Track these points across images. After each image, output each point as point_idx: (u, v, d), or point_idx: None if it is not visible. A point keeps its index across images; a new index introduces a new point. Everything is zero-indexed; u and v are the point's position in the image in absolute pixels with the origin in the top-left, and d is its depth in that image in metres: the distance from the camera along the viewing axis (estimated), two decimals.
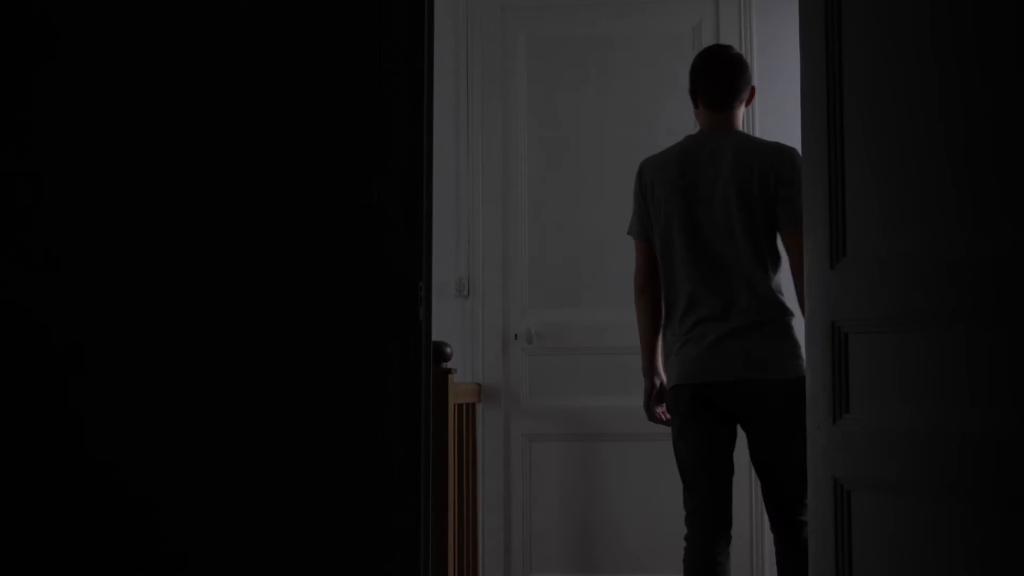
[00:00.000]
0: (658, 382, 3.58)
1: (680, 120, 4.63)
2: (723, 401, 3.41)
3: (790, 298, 3.40)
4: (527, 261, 4.72)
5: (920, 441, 2.25)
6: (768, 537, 4.45)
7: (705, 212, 3.41)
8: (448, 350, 3.81)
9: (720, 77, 3.49)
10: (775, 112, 4.58)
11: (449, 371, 3.81)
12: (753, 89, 3.58)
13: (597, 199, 4.68)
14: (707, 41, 4.66)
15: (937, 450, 2.22)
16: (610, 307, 4.62)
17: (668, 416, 3.54)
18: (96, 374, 2.50)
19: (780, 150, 3.46)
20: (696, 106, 3.56)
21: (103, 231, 2.53)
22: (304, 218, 2.50)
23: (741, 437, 3.51)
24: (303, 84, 2.52)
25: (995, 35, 2.19)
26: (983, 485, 2.15)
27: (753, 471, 4.43)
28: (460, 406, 4.19)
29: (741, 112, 3.55)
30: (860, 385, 2.37)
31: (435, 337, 2.81)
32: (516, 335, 4.70)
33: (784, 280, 3.43)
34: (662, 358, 3.54)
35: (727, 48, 3.59)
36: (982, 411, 2.15)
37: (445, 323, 4.44)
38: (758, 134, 4.59)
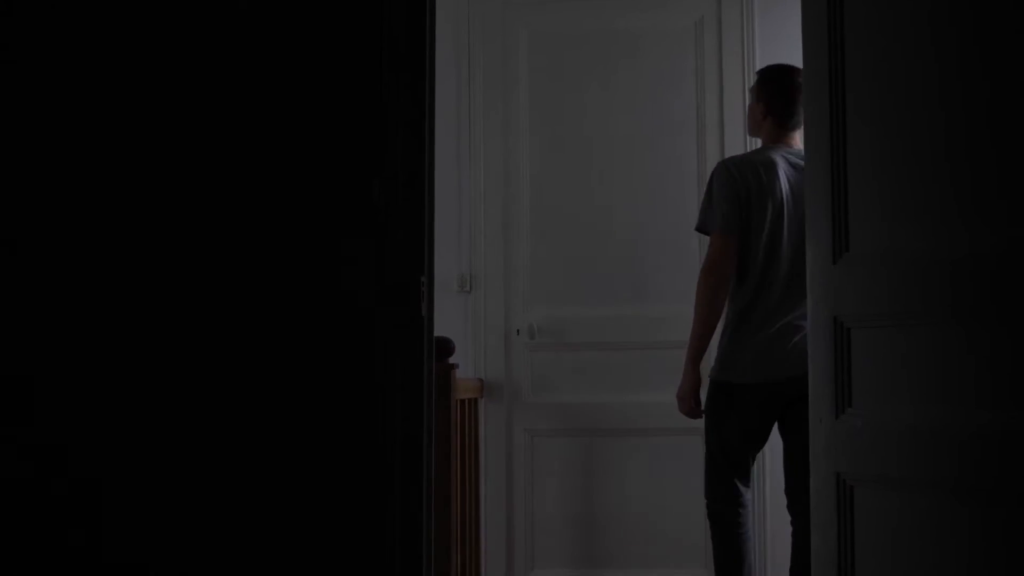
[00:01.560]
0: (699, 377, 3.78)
1: (682, 115, 4.64)
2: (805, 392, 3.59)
3: None
4: (529, 257, 4.72)
5: (923, 437, 2.25)
6: (769, 534, 4.46)
7: (800, 217, 3.59)
8: (450, 346, 3.81)
9: (799, 101, 3.68)
10: None
11: (452, 367, 3.81)
12: None
13: (599, 195, 4.68)
14: (709, 37, 4.66)
15: (940, 446, 2.22)
16: (612, 303, 4.62)
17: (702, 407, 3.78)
18: (94, 371, 2.51)
19: None
20: (764, 116, 3.79)
21: (107, 232, 2.54)
22: (306, 216, 2.51)
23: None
24: (305, 82, 2.52)
25: (997, 31, 2.19)
26: (986, 481, 2.15)
27: (754, 475, 4.41)
28: (463, 401, 4.19)
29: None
30: (862, 380, 2.38)
31: (437, 333, 2.82)
32: (518, 331, 4.70)
33: None
34: (728, 354, 3.68)
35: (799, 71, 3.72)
36: (985, 407, 2.15)
37: (447, 319, 4.43)
38: None
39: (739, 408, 3.68)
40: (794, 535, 3.67)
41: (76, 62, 2.56)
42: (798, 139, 3.71)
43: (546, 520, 4.62)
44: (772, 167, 3.69)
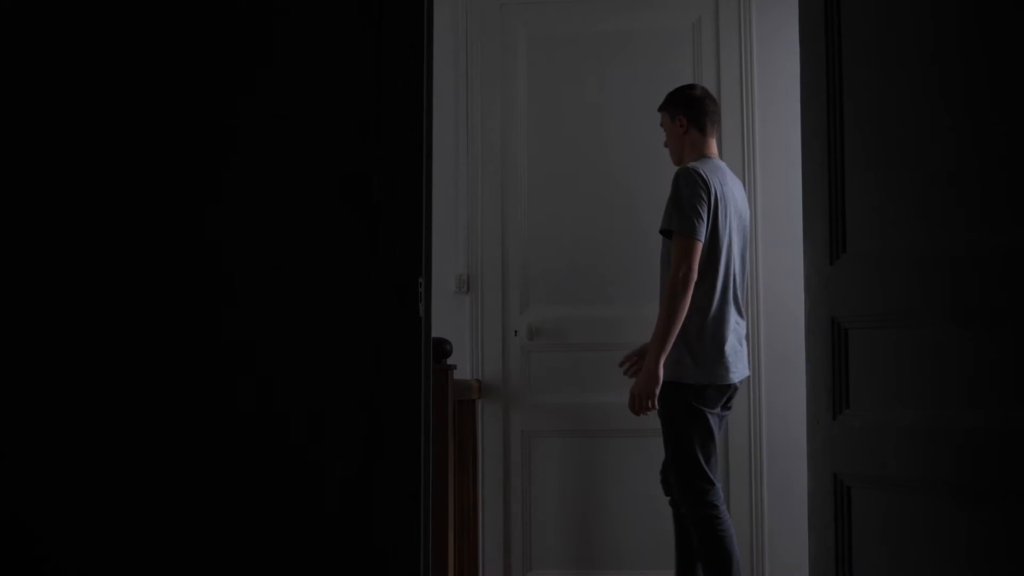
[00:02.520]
0: None
1: None
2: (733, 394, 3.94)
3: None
4: (527, 257, 4.72)
5: (920, 437, 2.25)
6: (767, 533, 4.46)
7: (739, 227, 3.95)
8: (448, 346, 3.82)
9: (719, 111, 4.10)
10: (774, 108, 4.58)
11: (449, 367, 3.81)
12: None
13: (596, 196, 4.68)
14: (707, 38, 4.66)
15: (937, 446, 2.22)
16: (609, 303, 4.62)
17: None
18: (84, 368, 2.51)
19: None
20: (686, 130, 4.01)
21: (100, 234, 2.54)
22: (303, 215, 2.50)
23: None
24: (303, 80, 2.52)
25: (997, 28, 2.19)
26: (983, 481, 2.16)
27: (752, 470, 4.46)
28: (460, 402, 4.20)
29: None
30: (860, 381, 2.38)
31: (435, 333, 2.82)
32: (516, 331, 4.70)
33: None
34: (709, 357, 3.83)
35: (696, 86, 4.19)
36: (981, 408, 2.15)
37: (445, 320, 4.44)
38: (757, 130, 4.60)
39: (716, 408, 3.84)
40: (687, 521, 3.89)
41: (70, 61, 2.56)
42: (715, 146, 4.05)
43: (543, 521, 4.62)
44: (723, 175, 3.93)
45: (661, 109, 4.08)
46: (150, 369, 2.50)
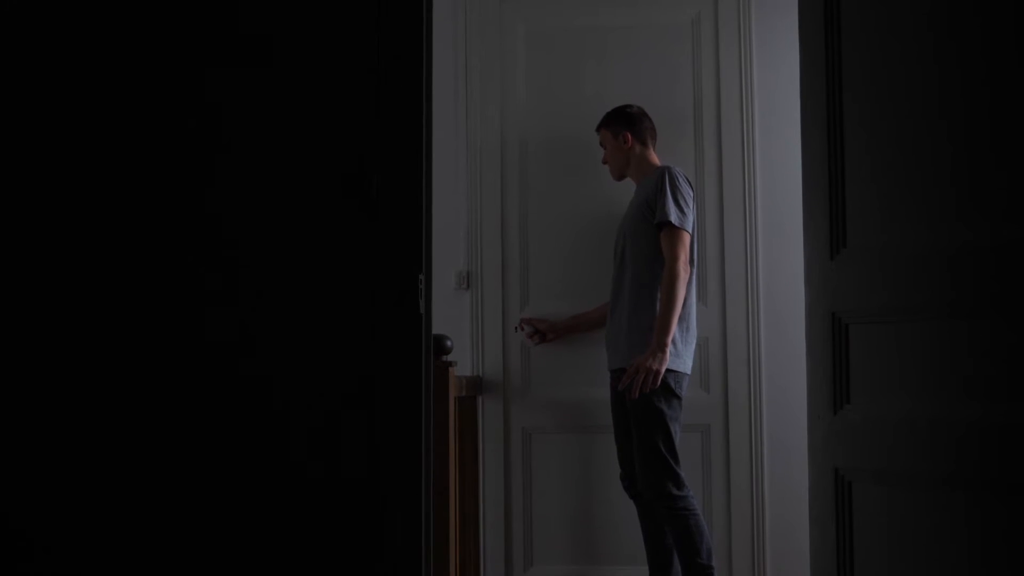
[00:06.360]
0: None
1: (680, 111, 4.64)
2: None
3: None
4: (527, 253, 4.72)
5: (920, 431, 2.25)
6: (768, 528, 4.47)
7: None
8: (448, 343, 3.81)
9: (654, 127, 4.41)
10: (774, 104, 4.57)
11: (449, 364, 3.81)
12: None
13: (596, 191, 4.67)
14: (706, 33, 4.66)
15: (937, 440, 2.22)
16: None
17: None
18: (82, 365, 2.51)
19: None
20: (631, 145, 4.32)
21: (96, 221, 2.54)
22: (303, 211, 2.50)
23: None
24: (302, 75, 2.52)
25: (994, 25, 2.19)
26: (982, 475, 2.16)
27: (753, 464, 4.48)
28: (460, 399, 4.19)
29: None
30: (860, 375, 2.38)
31: (435, 330, 2.82)
32: (516, 328, 4.70)
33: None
34: (684, 346, 4.10)
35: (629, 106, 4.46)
36: (981, 402, 2.15)
37: (446, 316, 4.43)
38: (757, 127, 4.60)
39: (679, 396, 4.06)
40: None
41: (66, 57, 2.56)
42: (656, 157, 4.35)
43: (544, 516, 4.62)
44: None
45: (601, 128, 4.38)
46: (146, 367, 2.50)
